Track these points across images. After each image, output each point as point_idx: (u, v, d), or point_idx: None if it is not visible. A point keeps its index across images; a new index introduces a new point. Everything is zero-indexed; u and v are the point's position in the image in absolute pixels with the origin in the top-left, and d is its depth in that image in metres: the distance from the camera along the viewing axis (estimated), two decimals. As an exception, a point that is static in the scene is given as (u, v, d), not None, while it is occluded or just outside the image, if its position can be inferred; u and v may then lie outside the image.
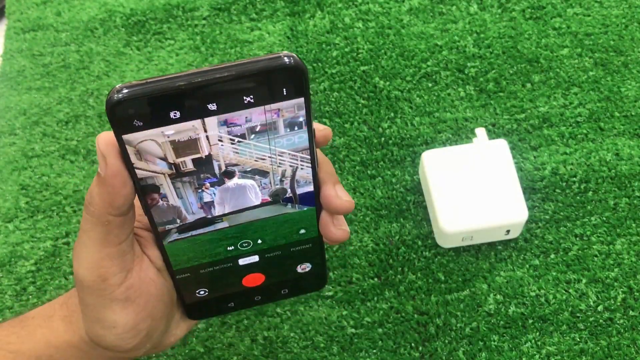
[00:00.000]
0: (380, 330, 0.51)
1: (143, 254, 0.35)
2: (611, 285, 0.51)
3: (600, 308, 0.50)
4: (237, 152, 0.31)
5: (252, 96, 0.28)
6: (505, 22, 0.64)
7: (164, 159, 0.30)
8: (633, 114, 0.58)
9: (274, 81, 0.28)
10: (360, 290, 0.52)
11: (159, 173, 0.30)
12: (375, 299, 0.52)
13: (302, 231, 0.36)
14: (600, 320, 0.50)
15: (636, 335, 0.49)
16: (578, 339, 0.49)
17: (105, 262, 0.32)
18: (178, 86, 0.27)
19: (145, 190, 0.31)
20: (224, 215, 0.33)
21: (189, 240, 0.34)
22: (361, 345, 0.50)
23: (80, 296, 0.34)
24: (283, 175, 0.33)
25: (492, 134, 0.58)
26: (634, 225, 0.54)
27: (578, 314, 0.50)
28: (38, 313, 0.38)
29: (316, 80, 0.62)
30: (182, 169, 0.30)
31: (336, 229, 0.35)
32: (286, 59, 0.28)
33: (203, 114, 0.29)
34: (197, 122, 0.29)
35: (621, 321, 0.50)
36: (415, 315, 0.51)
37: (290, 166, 0.32)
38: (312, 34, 0.65)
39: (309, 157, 0.32)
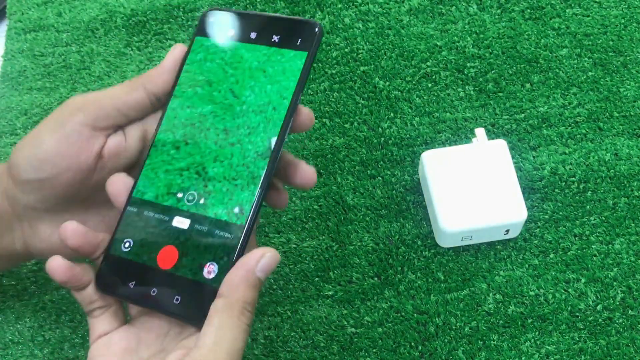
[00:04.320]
0: (380, 329, 0.51)
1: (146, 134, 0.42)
2: (610, 285, 0.51)
3: (599, 307, 0.51)
4: None
5: (279, 36, 0.40)
6: (505, 22, 0.64)
7: None
8: (632, 114, 0.58)
9: (295, 29, 0.40)
10: (360, 290, 0.52)
11: None
12: (375, 298, 0.52)
13: (237, 210, 0.38)
14: (600, 320, 0.50)
15: (635, 334, 0.49)
16: (577, 339, 0.50)
17: (126, 96, 0.41)
18: (241, 12, 0.42)
19: None
20: None
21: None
22: (361, 345, 0.50)
23: (55, 116, 0.43)
24: None
25: (492, 134, 0.58)
26: (633, 225, 0.54)
27: (577, 314, 0.50)
28: None
29: (316, 80, 0.62)
30: None
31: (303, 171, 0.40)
32: (311, 20, 0.39)
33: (247, 38, 0.41)
34: None
35: (620, 320, 0.50)
36: (415, 315, 0.51)
37: None
38: (312, 34, 0.65)
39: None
